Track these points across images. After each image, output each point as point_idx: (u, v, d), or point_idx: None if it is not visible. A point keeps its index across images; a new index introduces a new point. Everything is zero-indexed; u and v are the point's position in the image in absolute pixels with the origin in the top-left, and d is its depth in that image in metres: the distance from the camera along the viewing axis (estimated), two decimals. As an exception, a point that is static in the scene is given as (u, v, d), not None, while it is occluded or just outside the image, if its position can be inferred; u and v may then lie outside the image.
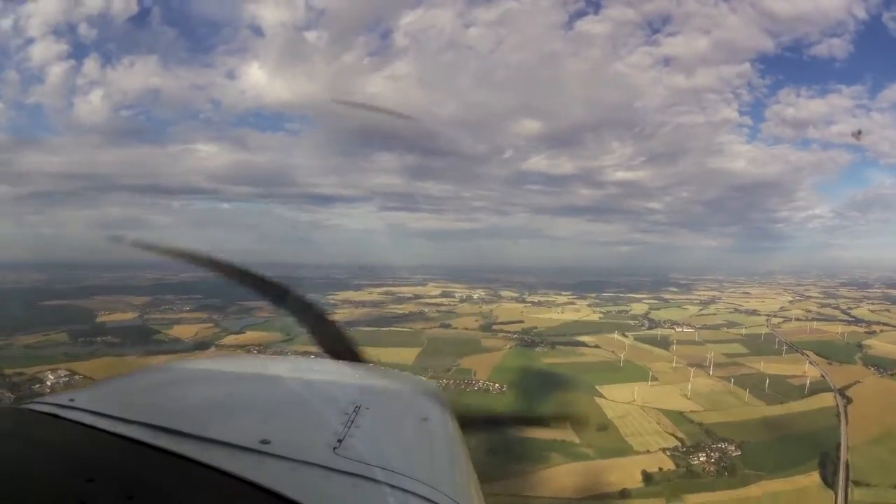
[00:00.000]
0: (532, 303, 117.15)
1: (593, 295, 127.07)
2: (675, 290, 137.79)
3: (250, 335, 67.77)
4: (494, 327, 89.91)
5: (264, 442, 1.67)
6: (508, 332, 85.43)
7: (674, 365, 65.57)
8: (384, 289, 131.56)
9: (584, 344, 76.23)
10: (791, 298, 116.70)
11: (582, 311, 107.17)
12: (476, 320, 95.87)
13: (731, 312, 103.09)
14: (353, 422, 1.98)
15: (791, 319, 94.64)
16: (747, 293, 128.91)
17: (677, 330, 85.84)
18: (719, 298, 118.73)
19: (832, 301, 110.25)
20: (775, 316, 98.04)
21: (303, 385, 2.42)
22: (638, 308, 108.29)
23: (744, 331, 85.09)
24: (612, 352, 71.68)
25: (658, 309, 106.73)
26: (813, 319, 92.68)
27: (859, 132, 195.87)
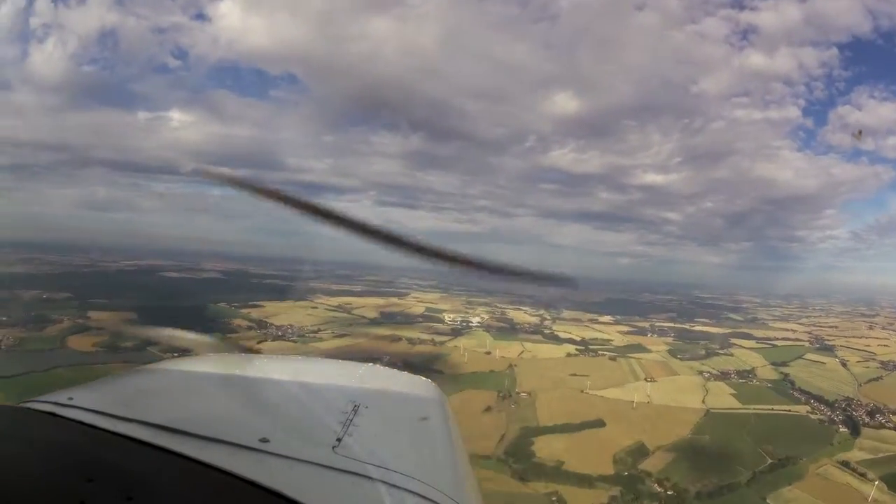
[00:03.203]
0: (576, 344, 74.02)
1: (644, 323, 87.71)
2: (736, 317, 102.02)
3: None
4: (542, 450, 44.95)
5: (264, 440, 1.68)
6: (601, 481, 41.21)
7: None
8: (342, 300, 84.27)
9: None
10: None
11: (676, 368, 65.82)
12: (492, 410, 50.21)
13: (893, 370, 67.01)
14: (352, 421, 1.98)
15: None
16: (835, 327, 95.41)
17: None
18: (829, 341, 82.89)
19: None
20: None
21: (302, 384, 2.38)
22: (753, 362, 68.96)
23: None
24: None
25: (786, 364, 68.10)
26: None
27: (860, 132, 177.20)
